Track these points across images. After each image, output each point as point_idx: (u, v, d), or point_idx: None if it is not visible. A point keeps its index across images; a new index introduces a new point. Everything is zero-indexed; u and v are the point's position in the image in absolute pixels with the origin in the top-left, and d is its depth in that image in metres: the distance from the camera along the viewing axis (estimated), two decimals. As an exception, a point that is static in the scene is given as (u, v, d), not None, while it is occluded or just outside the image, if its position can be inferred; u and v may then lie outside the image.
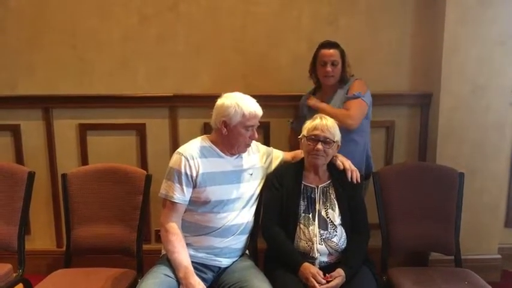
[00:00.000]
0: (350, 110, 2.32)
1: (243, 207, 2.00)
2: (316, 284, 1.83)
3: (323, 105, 2.37)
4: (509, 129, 2.85)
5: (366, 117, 2.43)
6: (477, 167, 2.73)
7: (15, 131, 2.89)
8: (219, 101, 1.95)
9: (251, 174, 2.04)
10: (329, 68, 2.37)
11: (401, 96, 2.81)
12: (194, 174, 1.90)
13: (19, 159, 2.89)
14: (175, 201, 1.89)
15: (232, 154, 2.01)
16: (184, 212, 1.94)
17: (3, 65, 2.84)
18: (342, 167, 2.08)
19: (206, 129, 2.71)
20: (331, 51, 2.38)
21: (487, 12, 2.62)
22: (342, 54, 2.41)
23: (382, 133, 2.89)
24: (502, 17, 2.64)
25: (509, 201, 3.02)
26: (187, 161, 1.90)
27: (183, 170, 1.89)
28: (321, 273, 1.87)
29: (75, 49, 2.82)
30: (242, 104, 1.91)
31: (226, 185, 1.95)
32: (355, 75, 2.47)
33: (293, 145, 2.46)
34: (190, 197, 1.92)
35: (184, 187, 1.89)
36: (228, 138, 1.95)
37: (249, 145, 2.00)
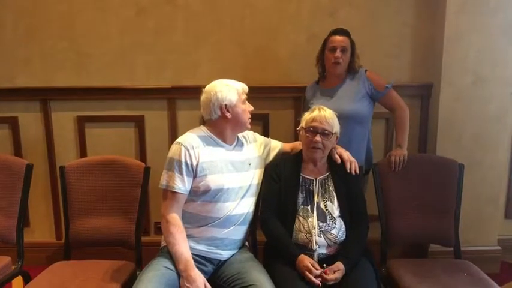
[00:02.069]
0: (400, 103, 2.42)
1: (242, 197, 2.00)
2: (313, 278, 1.82)
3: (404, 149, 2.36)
4: (509, 120, 2.84)
5: (371, 110, 2.44)
6: (477, 159, 2.73)
7: (13, 124, 2.88)
8: (206, 94, 1.97)
9: (250, 164, 2.04)
10: (338, 54, 2.34)
11: (402, 87, 2.78)
12: (194, 164, 1.90)
13: (17, 151, 2.89)
14: (176, 191, 1.89)
15: (232, 142, 2.03)
16: (185, 203, 1.94)
17: (0, 57, 2.82)
18: (339, 161, 2.07)
19: (204, 121, 2.70)
20: (342, 37, 2.36)
21: (488, 2, 2.60)
22: (352, 44, 2.39)
23: (382, 124, 2.88)
24: (504, 7, 2.61)
25: (509, 193, 3.03)
26: (188, 150, 1.90)
27: (183, 160, 1.89)
28: (316, 264, 1.87)
29: (72, 41, 2.81)
30: (229, 83, 1.99)
31: (225, 173, 1.95)
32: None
33: None
34: (191, 187, 1.92)
35: (185, 177, 1.89)
36: (235, 120, 1.97)
37: (250, 119, 2.03)
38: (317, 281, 1.81)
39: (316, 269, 1.84)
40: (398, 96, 2.43)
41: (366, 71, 2.43)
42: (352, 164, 2.07)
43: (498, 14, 2.62)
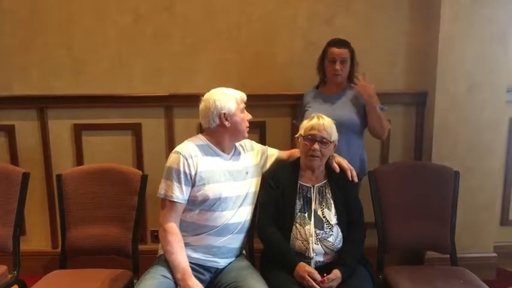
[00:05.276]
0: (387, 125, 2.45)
1: (240, 205, 2.00)
2: (313, 283, 1.83)
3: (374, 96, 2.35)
4: (504, 127, 2.87)
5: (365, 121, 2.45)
6: (472, 166, 2.74)
7: (9, 132, 2.87)
8: (205, 102, 1.97)
9: (247, 173, 2.04)
10: (338, 66, 2.37)
11: (397, 95, 2.81)
12: (193, 173, 1.90)
13: (14, 160, 2.88)
14: (174, 200, 1.89)
15: (230, 151, 2.03)
16: (183, 212, 1.94)
17: (-3, 65, 2.83)
18: (338, 170, 2.08)
19: (202, 129, 2.70)
20: (341, 50, 2.38)
21: (482, 11, 2.63)
22: (352, 53, 2.41)
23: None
24: (497, 15, 2.64)
25: (505, 200, 3.04)
26: (186, 159, 1.90)
27: (181, 169, 1.89)
28: (316, 272, 1.87)
29: (70, 49, 2.81)
30: (228, 92, 2.00)
31: (223, 182, 1.95)
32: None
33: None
34: (189, 196, 1.92)
35: (183, 186, 1.89)
36: (233, 129, 1.98)
37: (248, 128, 2.04)
38: (318, 287, 1.82)
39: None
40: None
41: None
42: (352, 171, 2.09)
43: (492, 22, 2.64)
